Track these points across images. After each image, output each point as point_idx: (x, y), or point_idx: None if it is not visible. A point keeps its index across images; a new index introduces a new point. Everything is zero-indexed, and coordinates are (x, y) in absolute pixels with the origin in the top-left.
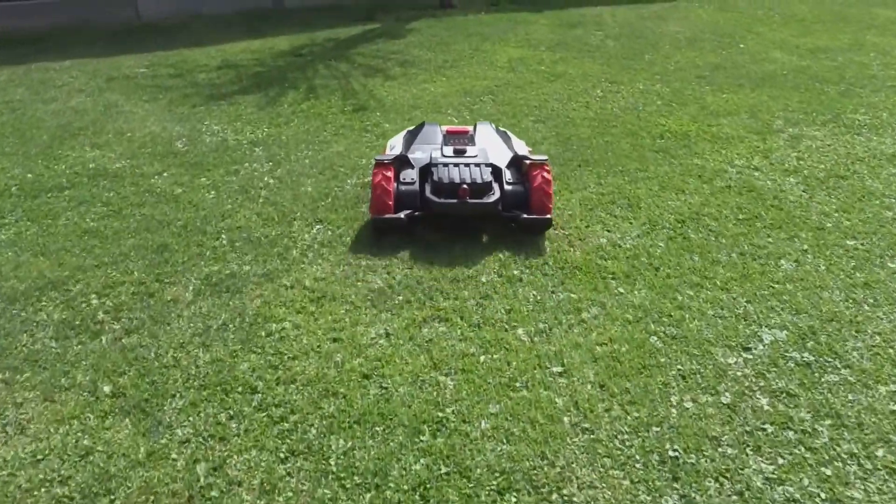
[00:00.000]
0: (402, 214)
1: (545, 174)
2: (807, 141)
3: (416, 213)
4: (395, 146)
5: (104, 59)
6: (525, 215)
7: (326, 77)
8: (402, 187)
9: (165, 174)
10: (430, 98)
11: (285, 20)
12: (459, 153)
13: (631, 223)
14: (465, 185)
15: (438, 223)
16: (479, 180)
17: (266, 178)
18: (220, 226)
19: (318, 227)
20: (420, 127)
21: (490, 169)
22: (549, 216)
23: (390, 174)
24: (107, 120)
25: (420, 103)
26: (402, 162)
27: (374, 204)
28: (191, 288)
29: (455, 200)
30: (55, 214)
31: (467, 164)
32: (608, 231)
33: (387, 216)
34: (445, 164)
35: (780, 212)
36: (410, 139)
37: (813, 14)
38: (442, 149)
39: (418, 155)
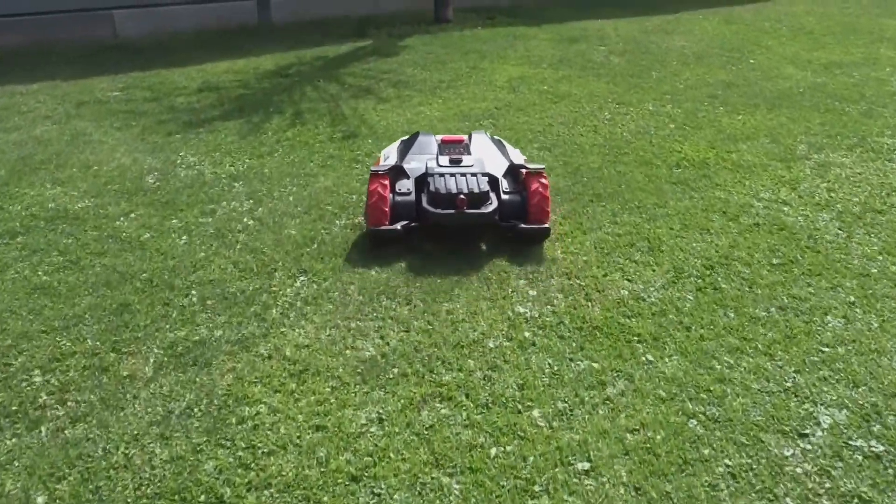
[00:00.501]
0: (398, 226)
1: (542, 183)
2: (835, 169)
3: (413, 224)
4: (389, 156)
5: (75, 82)
6: (523, 225)
7: (314, 100)
8: (398, 198)
9: (133, 215)
10: (425, 122)
11: (271, 37)
12: (455, 163)
13: (654, 270)
14: (462, 195)
15: (436, 233)
16: (476, 190)
17: (245, 220)
18: (191, 279)
19: (301, 278)
20: (415, 136)
21: (487, 178)
22: (546, 225)
23: (386, 185)
24: (73, 151)
25: (414, 128)
26: (397, 172)
27: (370, 216)
28: (151, 360)
29: (453, 211)
30: (3, 266)
31: (464, 174)
32: (629, 280)
33: (383, 227)
34: (442, 174)
35: (817, 255)
36: (405, 149)
37: (822, 26)
38: (438, 158)
39: (414, 165)
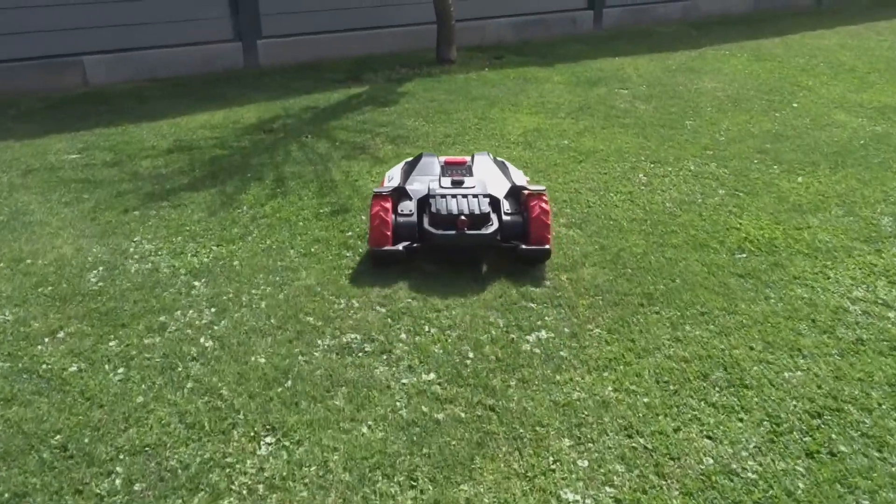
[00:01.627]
0: (400, 246)
1: (543, 204)
2: None
3: (415, 245)
4: (393, 177)
5: (30, 142)
6: (524, 246)
7: (300, 162)
8: (401, 219)
9: (61, 334)
10: None
11: (257, 84)
12: (457, 184)
13: (741, 421)
14: (463, 217)
15: (437, 254)
16: (477, 211)
17: (202, 339)
18: (119, 443)
19: (267, 441)
20: (418, 158)
21: (488, 200)
22: (547, 247)
23: (388, 206)
24: (5, 237)
25: None
26: (400, 193)
27: (372, 236)
28: None
29: (454, 232)
30: None
31: (465, 195)
32: (710, 438)
33: (385, 248)
34: (443, 196)
35: None
36: (409, 170)
37: (863, 63)
38: (440, 180)
39: (416, 186)
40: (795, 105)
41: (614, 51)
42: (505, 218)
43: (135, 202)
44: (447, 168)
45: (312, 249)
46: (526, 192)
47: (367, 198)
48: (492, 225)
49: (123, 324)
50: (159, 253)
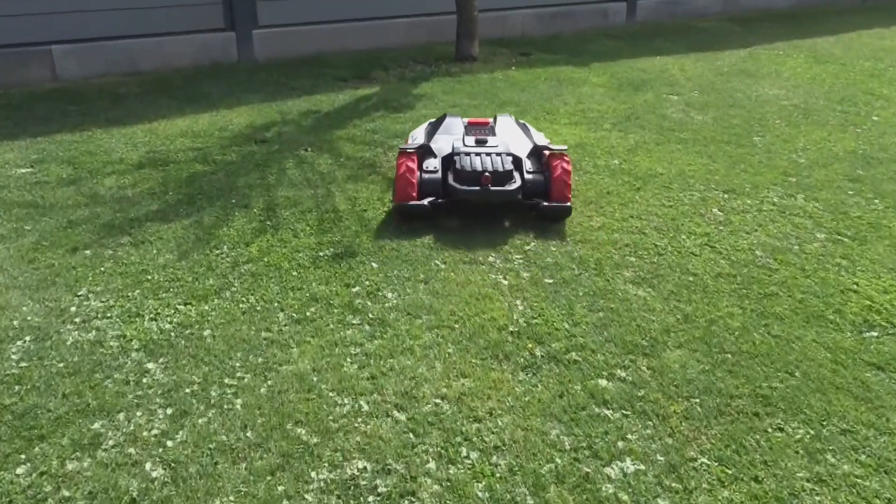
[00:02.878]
0: (426, 201)
1: (565, 164)
2: None
3: (440, 201)
4: (417, 137)
5: None
6: (545, 203)
7: (296, 184)
8: (426, 175)
9: None
10: (454, 231)
11: (251, 81)
12: (481, 143)
13: None
14: (487, 173)
15: (461, 209)
16: (500, 168)
17: (148, 466)
18: None
19: None
20: (441, 118)
21: (511, 158)
22: (568, 204)
23: (414, 163)
24: None
25: (438, 243)
26: (425, 151)
27: (398, 191)
28: None
29: (478, 188)
30: None
31: (489, 154)
32: None
33: (411, 203)
34: (468, 153)
35: None
36: (432, 130)
37: None
38: (464, 139)
39: (441, 145)
40: (876, 118)
41: (653, 48)
42: (527, 176)
43: (88, 237)
44: (471, 128)
45: (308, 313)
46: (548, 151)
47: (379, 236)
48: (514, 182)
49: (42, 435)
50: (108, 314)
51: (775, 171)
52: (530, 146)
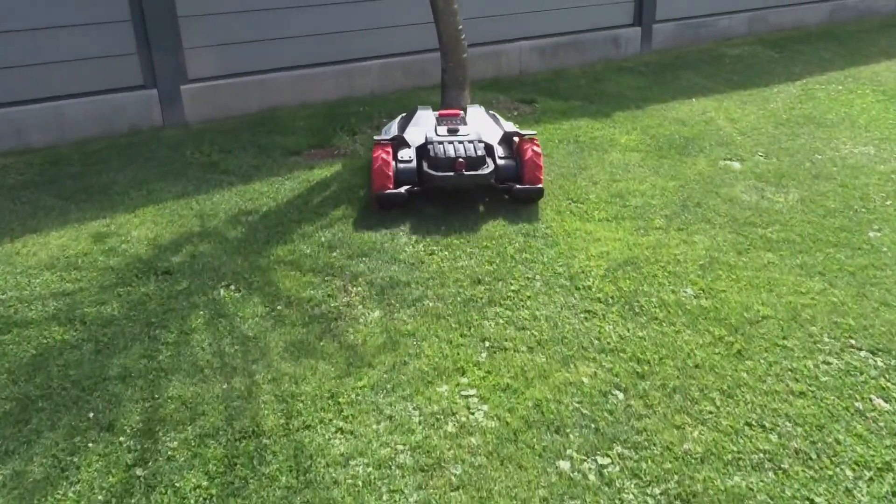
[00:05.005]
0: (402, 189)
1: (535, 148)
2: None
3: (416, 189)
4: (390, 130)
5: None
6: (518, 186)
7: (201, 367)
8: (401, 165)
9: None
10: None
11: (172, 161)
12: (453, 132)
13: None
14: (461, 159)
15: (436, 196)
16: (473, 154)
17: None
18: None
19: None
20: (413, 111)
21: (483, 145)
22: (540, 186)
23: (389, 154)
24: None
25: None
26: (399, 142)
27: (375, 181)
28: None
29: (452, 173)
30: None
31: (461, 141)
32: None
33: (389, 192)
34: (440, 142)
35: None
36: (404, 123)
37: None
38: (436, 129)
39: (414, 136)
40: None
41: (683, 87)
42: (499, 161)
43: None
44: (442, 119)
45: None
46: (517, 137)
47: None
48: (487, 167)
49: None
50: None
51: None
52: (501, 133)
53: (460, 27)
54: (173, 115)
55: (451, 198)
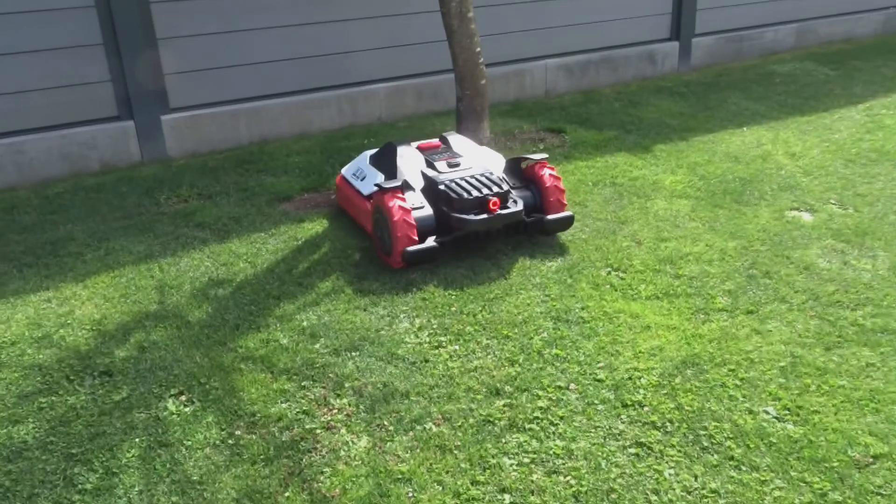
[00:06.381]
0: (432, 241)
1: (550, 171)
2: None
3: (443, 239)
4: (362, 172)
5: None
6: (548, 217)
7: None
8: (416, 213)
9: None
10: None
11: (143, 210)
12: (454, 167)
13: None
14: (492, 198)
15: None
16: (500, 189)
17: None
18: None
19: None
20: (389, 149)
21: (498, 176)
22: (570, 213)
23: (404, 199)
24: None
25: None
26: (405, 186)
27: (399, 236)
28: None
29: (487, 215)
30: None
31: (473, 176)
32: None
33: (419, 247)
34: (452, 180)
35: None
36: (385, 162)
37: None
38: (433, 165)
39: (411, 177)
40: None
41: (731, 111)
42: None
43: None
44: (429, 152)
45: None
46: (526, 163)
47: None
48: (516, 203)
49: None
50: None
51: None
52: (501, 160)
53: (478, 49)
54: (152, 149)
55: (464, 250)
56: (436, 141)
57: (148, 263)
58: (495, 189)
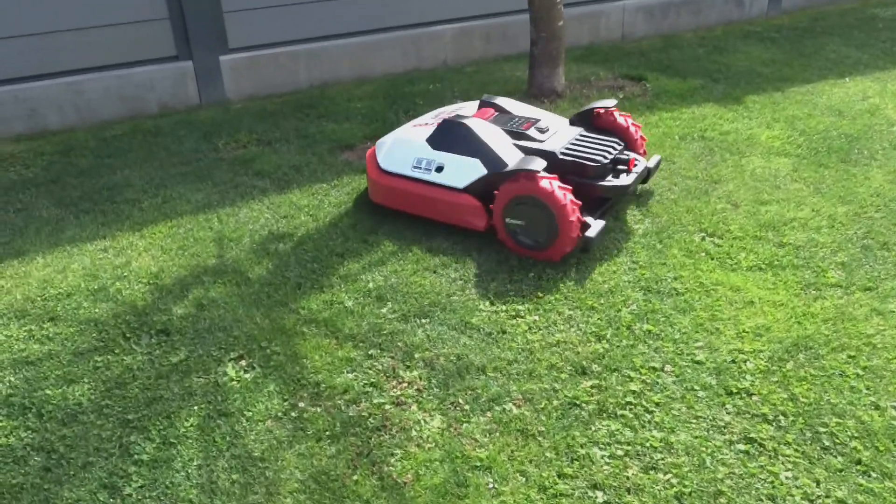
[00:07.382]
0: (597, 218)
1: (627, 116)
2: None
3: (602, 211)
4: (431, 163)
5: None
6: (650, 164)
7: None
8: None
9: None
10: None
11: (202, 155)
12: (544, 131)
13: None
14: (626, 158)
15: None
16: (619, 146)
17: None
18: None
19: None
20: (453, 127)
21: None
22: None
23: (562, 184)
24: None
25: None
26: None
27: (573, 224)
28: None
29: (632, 174)
30: None
31: (580, 139)
32: None
33: (600, 229)
34: (569, 148)
35: None
36: (455, 145)
37: None
38: (525, 134)
39: (505, 153)
40: None
41: (830, 59)
42: None
43: None
44: (499, 123)
45: None
46: (597, 111)
47: None
48: (637, 161)
49: None
50: None
51: None
52: (563, 119)
53: None
54: (211, 92)
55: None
56: (486, 109)
57: (206, 213)
58: (618, 147)
